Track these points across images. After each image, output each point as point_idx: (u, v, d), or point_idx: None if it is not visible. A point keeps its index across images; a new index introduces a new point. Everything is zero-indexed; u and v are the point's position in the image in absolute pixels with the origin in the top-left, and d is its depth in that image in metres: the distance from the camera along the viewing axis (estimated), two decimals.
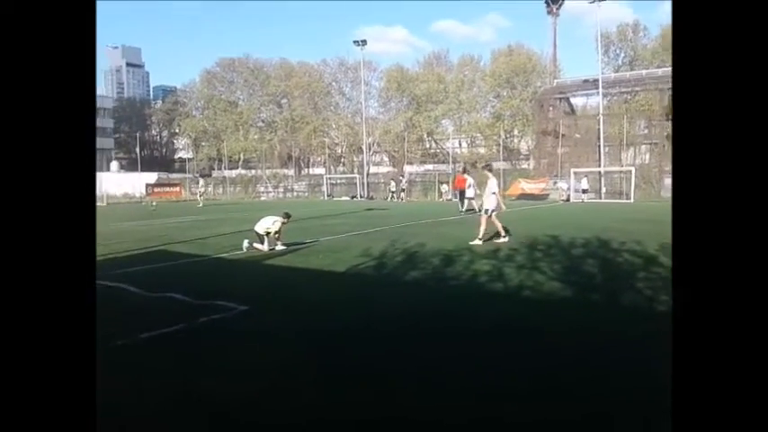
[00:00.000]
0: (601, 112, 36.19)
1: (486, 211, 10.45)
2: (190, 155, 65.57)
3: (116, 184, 47.63)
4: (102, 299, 2.42)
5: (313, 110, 57.32)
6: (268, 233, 9.38)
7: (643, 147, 37.10)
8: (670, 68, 37.60)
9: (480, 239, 10.11)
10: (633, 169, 31.54)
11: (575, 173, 32.84)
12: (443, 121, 54.13)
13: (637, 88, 39.60)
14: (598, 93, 36.40)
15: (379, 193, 39.45)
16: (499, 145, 43.98)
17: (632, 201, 29.30)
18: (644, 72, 41.78)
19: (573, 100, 43.48)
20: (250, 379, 3.47)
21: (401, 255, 8.84)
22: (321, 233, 12.45)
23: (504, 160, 41.58)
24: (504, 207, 11.28)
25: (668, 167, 33.35)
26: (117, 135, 77.33)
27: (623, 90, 40.63)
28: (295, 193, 46.80)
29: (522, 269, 7.30)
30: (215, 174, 57.55)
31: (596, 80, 35.78)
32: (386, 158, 54.80)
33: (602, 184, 32.80)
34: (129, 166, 66.29)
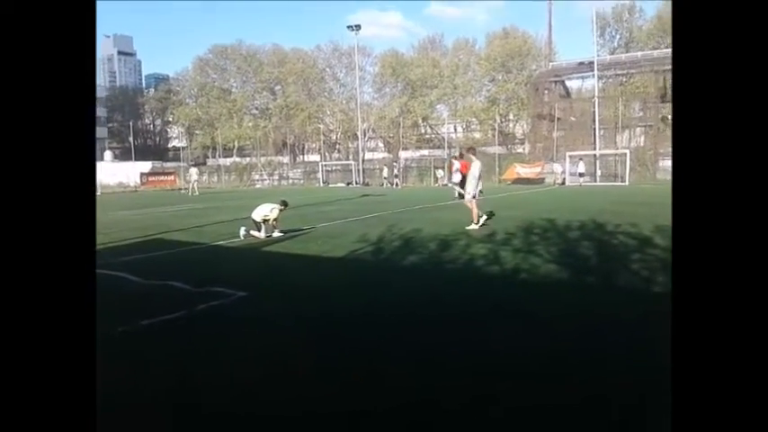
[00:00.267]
0: (596, 94, 36.15)
1: (474, 195, 10.56)
2: (184, 143, 65.18)
3: (110, 173, 47.39)
4: (102, 287, 2.43)
5: (307, 96, 56.96)
6: (265, 220, 9.38)
7: (638, 129, 37.15)
8: (665, 50, 37.52)
9: (476, 223, 10.15)
10: (628, 152, 31.61)
11: (570, 156, 32.88)
12: (438, 106, 53.97)
13: (632, 70, 39.52)
14: (593, 75, 36.33)
15: (374, 180, 39.42)
16: (494, 129, 43.92)
17: (627, 183, 29.40)
18: (639, 54, 41.66)
19: (568, 83, 43.41)
20: (250, 366, 3.50)
21: (398, 240, 8.87)
22: (318, 220, 12.46)
23: (499, 145, 41.54)
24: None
25: (662, 150, 33.46)
26: (110, 124, 76.72)
27: (618, 72, 40.55)
28: (290, 181, 46.73)
29: (518, 253, 7.34)
30: (210, 162, 57.32)
31: (591, 62, 35.70)
32: (381, 144, 54.63)
33: (598, 168, 32.88)
34: (123, 155, 65.90)
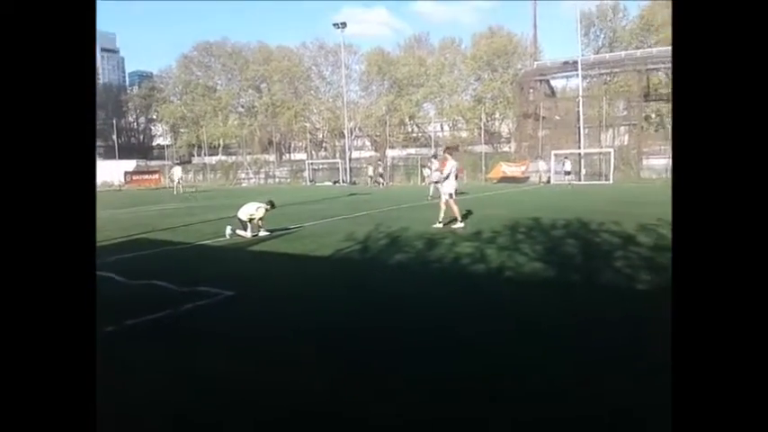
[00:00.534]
0: (580, 93, 36.45)
1: (451, 195, 10.63)
2: (168, 141, 64.48)
3: None
4: None
5: (293, 94, 56.67)
6: (251, 219, 9.35)
7: (622, 128, 37.56)
8: (649, 50, 37.83)
9: (461, 222, 10.22)
10: (612, 151, 31.94)
11: (555, 155, 33.14)
12: (425, 105, 53.98)
13: (616, 69, 39.89)
14: (578, 75, 36.63)
15: (361, 178, 39.37)
16: (480, 128, 44.10)
17: (611, 182, 29.72)
18: (623, 53, 42.05)
19: (553, 82, 43.67)
20: (234, 366, 3.50)
21: (385, 239, 8.89)
22: (304, 218, 12.44)
23: (485, 143, 41.73)
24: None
25: (646, 149, 33.86)
26: None
27: (602, 71, 40.92)
28: (277, 179, 46.47)
29: (504, 251, 7.41)
30: (195, 160, 56.78)
31: (576, 62, 35.97)
32: (368, 143, 54.57)
33: (582, 166, 33.17)
34: (107, 153, 64.93)
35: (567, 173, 31.64)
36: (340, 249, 7.94)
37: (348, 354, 3.67)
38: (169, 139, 65.34)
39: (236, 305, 5.03)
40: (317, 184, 40.83)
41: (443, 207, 10.55)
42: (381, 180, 36.55)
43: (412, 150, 47.31)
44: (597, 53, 46.49)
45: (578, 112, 35.05)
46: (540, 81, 41.47)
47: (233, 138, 56.89)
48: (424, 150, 44.38)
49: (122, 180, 43.39)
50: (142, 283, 5.85)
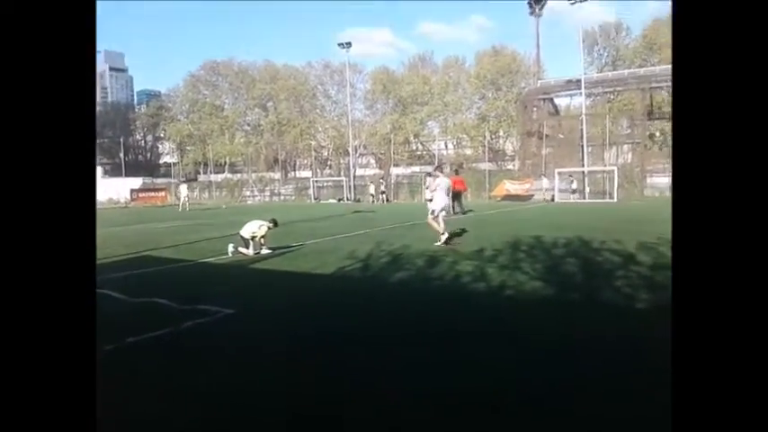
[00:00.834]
0: (584, 112, 36.58)
1: (434, 212, 10.72)
2: (175, 159, 64.97)
3: (100, 189, 46.86)
4: None
5: (299, 113, 57.19)
6: (254, 237, 9.40)
7: (625, 146, 37.60)
8: (651, 68, 37.98)
9: (441, 240, 10.23)
10: (615, 169, 31.95)
11: (559, 173, 33.17)
12: (429, 123, 54.36)
13: (619, 88, 40.11)
14: (581, 93, 36.79)
15: (366, 196, 39.49)
16: (484, 146, 44.28)
17: (615, 200, 29.67)
18: (626, 72, 42.31)
19: (556, 100, 43.92)
20: (234, 385, 3.51)
21: (387, 257, 8.91)
22: (307, 236, 12.47)
23: (489, 161, 41.89)
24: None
25: (650, 167, 33.87)
26: (101, 140, 76.18)
27: (606, 90, 41.13)
28: (282, 197, 46.65)
29: (504, 269, 7.41)
30: (201, 178, 57.16)
31: (579, 80, 36.14)
32: (372, 161, 54.84)
33: (586, 184, 33.16)
34: (114, 171, 65.43)
35: (574, 191, 31.68)
36: (342, 267, 7.97)
37: (346, 368, 3.68)
38: (176, 156, 65.82)
39: (234, 323, 5.06)
40: (321, 201, 40.95)
41: (432, 224, 10.69)
42: (383, 197, 36.68)
43: (416, 168, 47.47)
44: (600, 72, 46.81)
45: (582, 130, 35.12)
46: (544, 99, 41.72)
47: (239, 156, 57.33)
48: (428, 168, 44.53)
49: (128, 197, 43.69)
50: (143, 300, 5.89)
